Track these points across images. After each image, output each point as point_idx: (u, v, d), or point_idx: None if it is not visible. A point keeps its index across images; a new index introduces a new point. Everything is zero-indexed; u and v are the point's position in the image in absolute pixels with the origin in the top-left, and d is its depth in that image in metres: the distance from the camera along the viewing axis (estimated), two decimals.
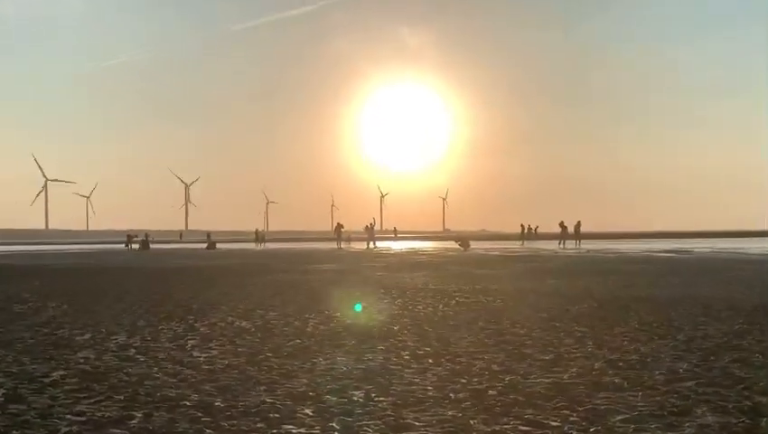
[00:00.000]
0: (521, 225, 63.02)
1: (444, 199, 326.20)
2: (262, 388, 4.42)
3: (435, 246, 53.91)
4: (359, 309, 8.75)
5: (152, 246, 58.65)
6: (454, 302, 9.66)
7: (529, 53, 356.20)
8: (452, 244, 49.33)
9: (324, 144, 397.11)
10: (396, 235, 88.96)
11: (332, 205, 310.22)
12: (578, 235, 49.67)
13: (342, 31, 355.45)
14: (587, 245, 48.86)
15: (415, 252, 36.16)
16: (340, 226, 58.37)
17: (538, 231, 63.73)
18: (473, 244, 49.37)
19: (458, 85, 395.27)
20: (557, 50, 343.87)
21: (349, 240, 61.10)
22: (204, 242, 68.85)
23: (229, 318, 7.93)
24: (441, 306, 9.09)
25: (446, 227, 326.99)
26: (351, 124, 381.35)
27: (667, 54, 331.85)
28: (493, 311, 8.46)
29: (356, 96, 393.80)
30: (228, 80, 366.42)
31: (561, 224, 48.84)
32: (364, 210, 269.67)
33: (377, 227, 56.14)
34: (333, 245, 55.69)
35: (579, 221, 49.59)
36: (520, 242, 59.53)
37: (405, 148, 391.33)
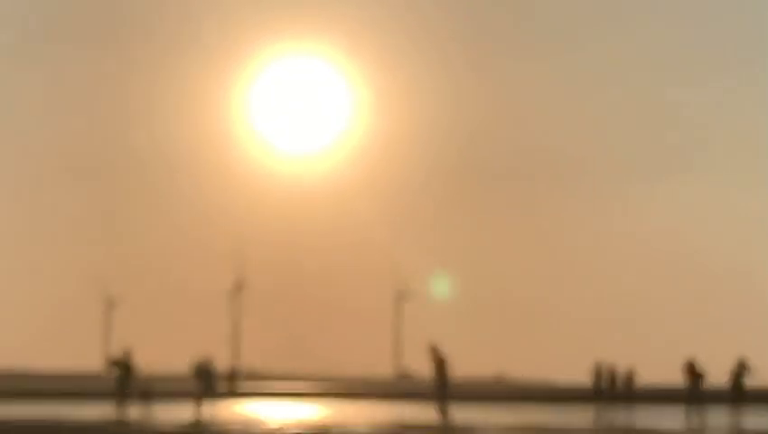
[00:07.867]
0: (597, 366, 31.38)
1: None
2: None
3: (370, 412, 27.43)
4: None
5: None
6: None
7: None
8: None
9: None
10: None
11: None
12: (739, 393, 23.75)
13: None
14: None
15: None
16: None
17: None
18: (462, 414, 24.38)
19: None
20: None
21: (146, 396, 29.50)
22: None
23: None
24: None
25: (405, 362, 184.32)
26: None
27: None
28: None
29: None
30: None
31: (688, 368, 23.50)
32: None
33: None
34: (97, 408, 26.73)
35: (742, 362, 24.17)
36: (595, 408, 30.53)
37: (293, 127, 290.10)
